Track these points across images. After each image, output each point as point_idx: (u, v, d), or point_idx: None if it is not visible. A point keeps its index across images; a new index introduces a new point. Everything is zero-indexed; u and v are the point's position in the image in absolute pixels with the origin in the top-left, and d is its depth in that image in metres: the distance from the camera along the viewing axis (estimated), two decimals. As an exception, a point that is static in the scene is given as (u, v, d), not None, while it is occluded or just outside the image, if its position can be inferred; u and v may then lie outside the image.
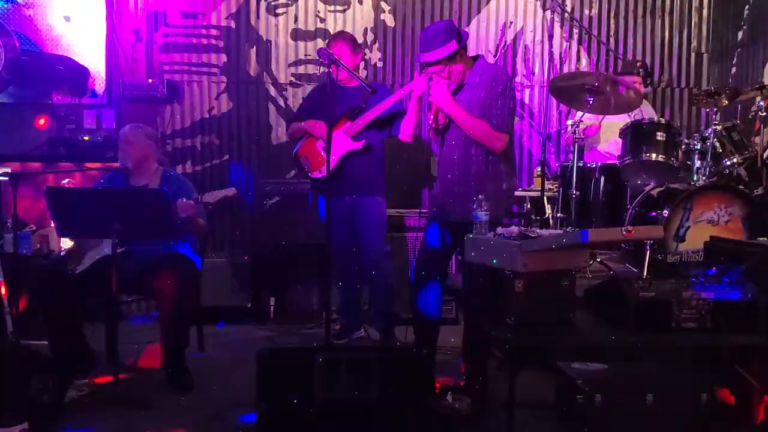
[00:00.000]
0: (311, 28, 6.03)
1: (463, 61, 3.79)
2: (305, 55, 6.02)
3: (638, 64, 5.41)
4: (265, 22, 6.02)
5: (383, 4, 6.04)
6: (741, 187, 4.54)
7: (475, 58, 3.88)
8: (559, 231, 3.55)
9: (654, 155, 4.57)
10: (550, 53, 5.54)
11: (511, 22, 6.12)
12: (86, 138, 5.71)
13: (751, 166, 4.70)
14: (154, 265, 4.07)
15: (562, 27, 6.13)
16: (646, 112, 5.14)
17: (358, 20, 6.03)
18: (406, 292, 4.34)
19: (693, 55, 6.25)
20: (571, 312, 3.20)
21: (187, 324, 4.07)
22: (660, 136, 4.58)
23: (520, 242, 3.06)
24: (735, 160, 4.61)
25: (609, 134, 5.27)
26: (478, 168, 3.78)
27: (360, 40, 5.81)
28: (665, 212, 4.36)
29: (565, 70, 6.03)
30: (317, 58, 3.95)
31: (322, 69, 3.88)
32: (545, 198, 5.07)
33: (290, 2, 6.02)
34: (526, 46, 6.13)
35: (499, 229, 3.32)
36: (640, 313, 3.04)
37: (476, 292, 3.42)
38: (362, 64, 5.83)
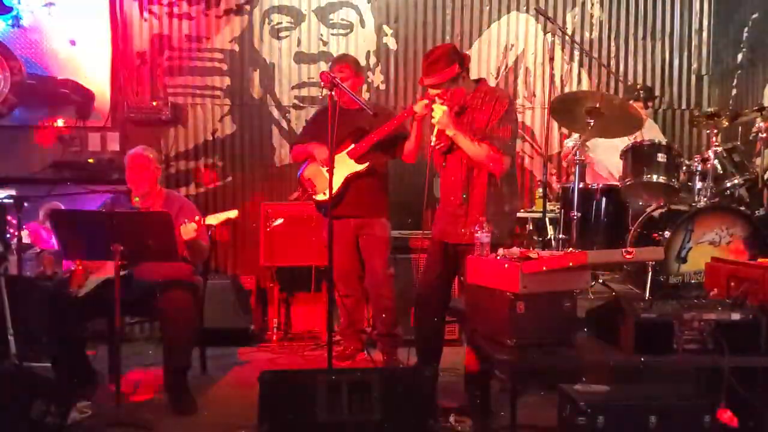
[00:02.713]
0: (314, 51, 6.08)
1: (466, 84, 3.83)
2: (308, 78, 6.05)
3: (638, 88, 5.44)
4: (269, 46, 6.06)
5: (385, 28, 6.09)
6: (742, 208, 4.55)
7: (478, 81, 3.92)
8: (560, 252, 3.56)
9: (655, 176, 4.58)
10: (551, 75, 5.57)
11: (512, 45, 6.16)
12: (91, 160, 5.74)
13: (752, 187, 4.72)
14: (156, 287, 4.08)
15: (563, 49, 6.17)
16: (651, 135, 5.15)
17: (360, 43, 6.07)
18: (409, 314, 4.35)
19: (693, 77, 6.29)
20: (572, 333, 3.20)
21: (189, 346, 4.07)
22: (661, 157, 4.59)
23: (522, 263, 3.07)
24: (736, 181, 4.61)
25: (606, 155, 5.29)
26: (481, 190, 3.80)
27: (363, 63, 5.85)
28: (667, 233, 4.37)
29: (567, 91, 6.06)
30: (320, 80, 3.96)
31: (324, 91, 3.89)
32: (547, 219, 5.08)
33: (293, 25, 6.07)
34: (527, 69, 6.17)
35: (501, 251, 3.33)
36: (641, 335, 3.04)
37: (478, 314, 3.42)
38: (365, 87, 5.87)
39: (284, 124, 6.09)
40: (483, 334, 3.32)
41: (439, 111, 3.74)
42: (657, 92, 6.07)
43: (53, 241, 5.43)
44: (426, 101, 3.98)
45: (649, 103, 5.45)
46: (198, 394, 4.12)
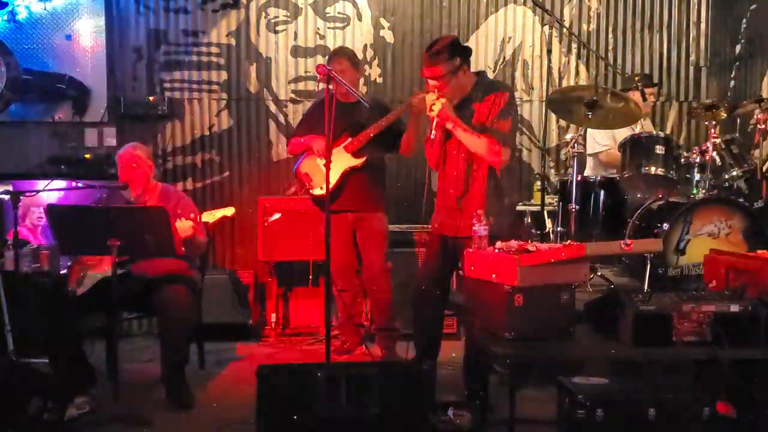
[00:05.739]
0: (311, 45, 6.06)
1: (466, 76, 3.81)
2: (305, 72, 6.04)
3: (636, 79, 5.41)
4: (265, 40, 6.04)
5: (383, 21, 6.07)
6: (741, 200, 4.54)
7: (478, 73, 3.90)
8: (558, 245, 3.55)
9: (653, 169, 4.58)
10: (549, 68, 5.55)
11: (509, 38, 6.14)
12: (88, 156, 5.73)
13: (750, 179, 4.71)
14: (154, 282, 4.07)
15: (560, 42, 6.15)
16: (644, 126, 5.15)
17: (357, 37, 6.05)
18: (407, 308, 4.34)
19: (691, 68, 6.27)
20: (571, 326, 3.20)
21: (187, 341, 4.07)
22: (659, 149, 4.58)
23: (519, 256, 3.06)
24: (734, 173, 4.61)
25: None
26: (480, 183, 3.79)
27: (360, 56, 5.83)
28: (665, 226, 4.36)
29: (564, 84, 6.05)
30: (317, 74, 3.94)
31: (321, 85, 3.87)
32: (545, 212, 5.06)
33: (290, 19, 6.05)
34: (524, 61, 6.15)
35: (499, 244, 3.32)
36: (640, 327, 3.03)
37: (476, 307, 3.41)
38: (362, 81, 5.85)
39: (281, 118, 6.07)
40: (481, 328, 3.31)
41: (439, 104, 3.72)
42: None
43: (42, 237, 5.46)
44: (425, 94, 3.97)
45: (647, 90, 5.40)
46: (196, 389, 4.11)
